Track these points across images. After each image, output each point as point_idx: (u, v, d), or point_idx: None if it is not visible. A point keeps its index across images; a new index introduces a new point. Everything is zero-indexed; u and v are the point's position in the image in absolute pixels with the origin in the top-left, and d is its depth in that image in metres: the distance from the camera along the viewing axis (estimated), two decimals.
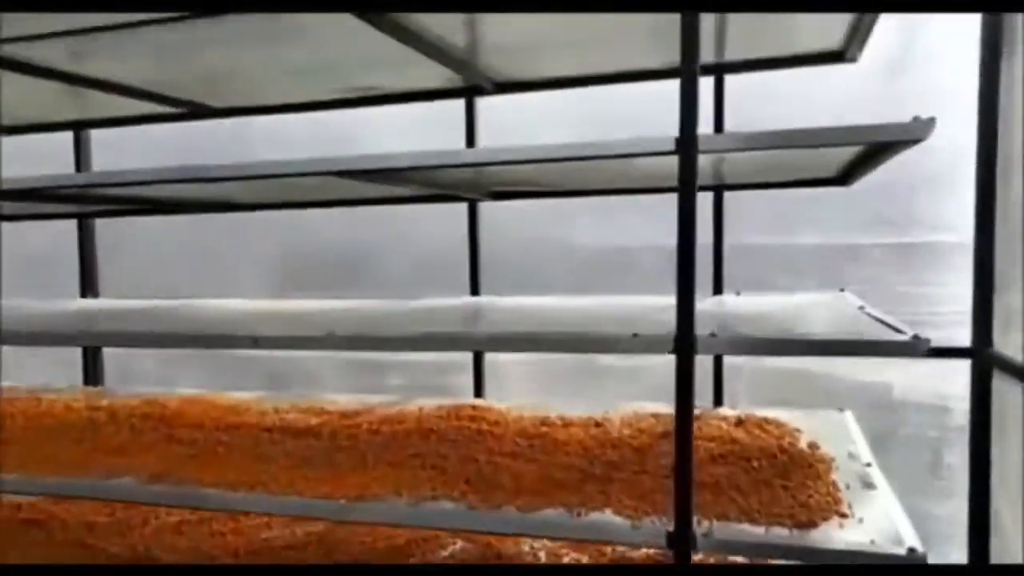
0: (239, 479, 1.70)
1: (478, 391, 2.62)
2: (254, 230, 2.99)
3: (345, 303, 2.34)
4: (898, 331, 1.16)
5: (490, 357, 2.71)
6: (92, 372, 2.98)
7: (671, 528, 1.24)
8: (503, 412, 2.15)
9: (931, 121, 1.06)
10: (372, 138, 2.71)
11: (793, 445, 1.77)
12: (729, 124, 2.14)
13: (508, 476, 1.60)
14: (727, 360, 2.37)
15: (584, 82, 2.12)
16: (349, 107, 2.31)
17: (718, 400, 2.20)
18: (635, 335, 1.23)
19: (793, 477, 1.54)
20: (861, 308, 1.58)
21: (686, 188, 1.17)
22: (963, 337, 2.22)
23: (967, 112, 2.16)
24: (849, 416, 2.00)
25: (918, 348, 1.08)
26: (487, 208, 2.58)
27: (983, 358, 2.15)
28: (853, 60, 1.97)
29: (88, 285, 2.86)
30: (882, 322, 1.30)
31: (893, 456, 2.35)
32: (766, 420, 1.97)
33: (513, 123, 2.48)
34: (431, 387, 2.80)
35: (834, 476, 1.55)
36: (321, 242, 3.02)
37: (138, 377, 3.06)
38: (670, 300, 2.07)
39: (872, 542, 1.20)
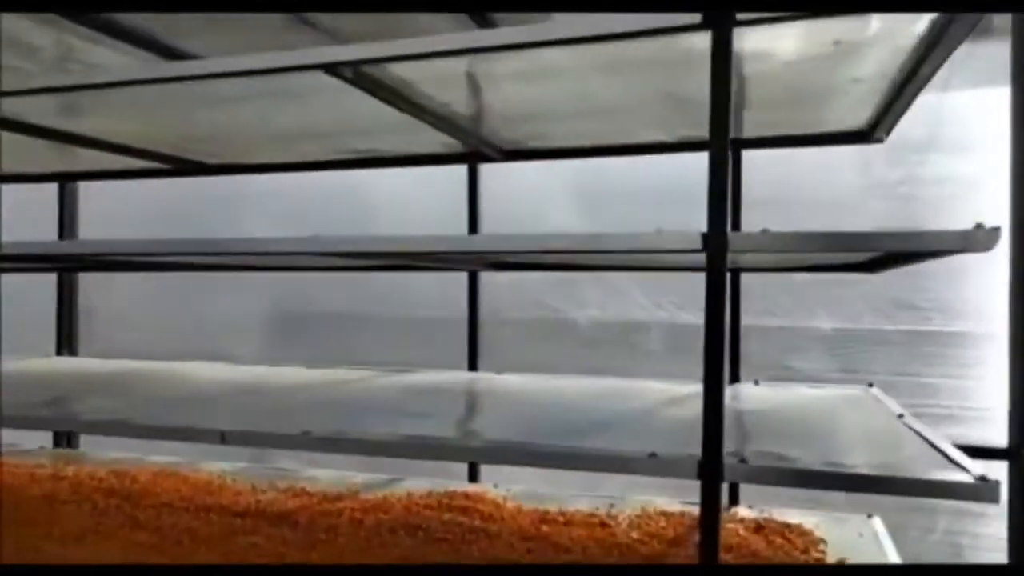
0: None
1: (472, 474, 2.45)
2: (247, 284, 2.85)
3: (334, 373, 2.19)
4: (960, 467, 1.01)
5: None
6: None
7: None
8: (499, 503, 1.98)
9: (995, 232, 0.93)
10: (371, 187, 2.60)
11: (820, 562, 1.60)
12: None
13: None
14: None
15: (595, 153, 2.01)
16: (345, 168, 2.20)
17: (734, 497, 2.03)
18: (653, 455, 1.08)
19: None
20: (900, 417, 1.42)
21: (714, 293, 1.03)
22: (995, 435, 2.07)
23: (997, 197, 2.06)
24: (879, 525, 1.83)
25: (987, 494, 0.93)
26: (488, 275, 2.46)
27: (1022, 460, 1.99)
28: (879, 141, 1.86)
29: (65, 342, 2.71)
30: (934, 446, 1.14)
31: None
32: (788, 527, 1.80)
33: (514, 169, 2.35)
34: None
35: None
36: (316, 297, 2.88)
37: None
38: (683, 388, 1.94)
39: None
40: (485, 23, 1.80)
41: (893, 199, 2.15)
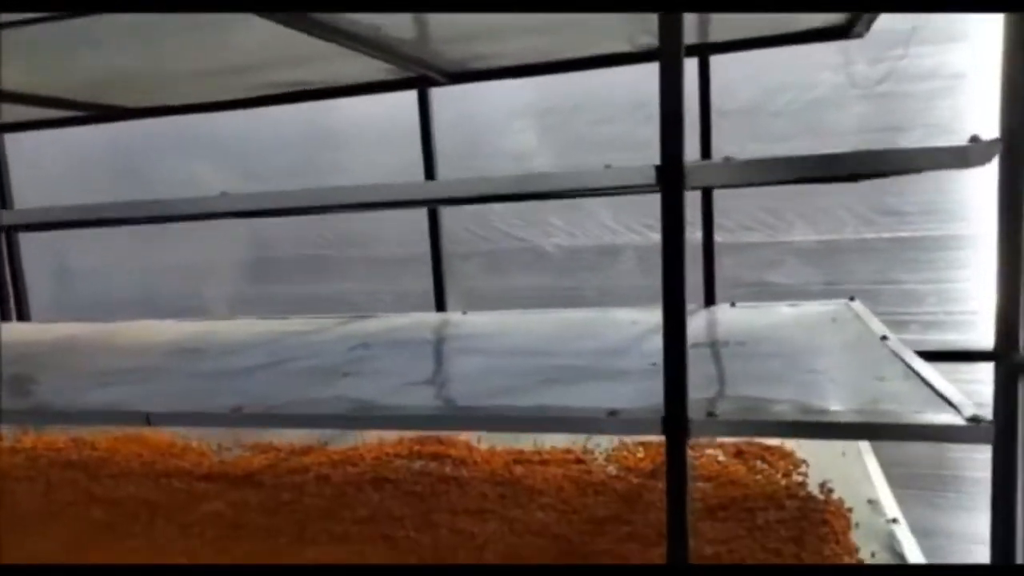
0: (157, 556, 1.46)
1: None
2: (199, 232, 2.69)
3: (289, 324, 2.07)
4: (950, 404, 0.92)
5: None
6: None
7: None
8: (472, 445, 1.91)
9: (994, 144, 0.80)
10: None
11: (803, 486, 1.54)
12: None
13: (470, 550, 1.36)
14: None
15: (549, 69, 1.83)
16: (279, 103, 2.01)
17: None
18: (612, 413, 0.98)
19: (807, 541, 1.31)
20: (884, 339, 1.33)
21: (672, 231, 0.90)
22: (981, 338, 2.00)
23: (984, 90, 1.91)
24: (864, 445, 1.77)
25: (979, 435, 0.84)
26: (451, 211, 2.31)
27: (1009, 362, 1.93)
28: (859, 36, 1.70)
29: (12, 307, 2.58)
30: (921, 378, 1.05)
31: (910, 469, 2.14)
32: (768, 450, 1.74)
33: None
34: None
35: (854, 538, 1.32)
36: (273, 240, 2.74)
37: None
38: (655, 316, 1.83)
39: None
40: None
41: (875, 98, 2.00)
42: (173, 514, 1.63)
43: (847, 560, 1.23)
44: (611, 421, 0.98)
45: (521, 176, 0.99)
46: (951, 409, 0.90)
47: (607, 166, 0.94)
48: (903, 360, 1.16)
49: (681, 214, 0.92)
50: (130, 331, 2.14)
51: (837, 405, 0.95)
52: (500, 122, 2.37)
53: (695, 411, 0.96)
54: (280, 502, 1.65)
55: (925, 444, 2.12)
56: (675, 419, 0.94)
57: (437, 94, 2.15)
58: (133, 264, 2.89)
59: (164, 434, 2.18)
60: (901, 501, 1.43)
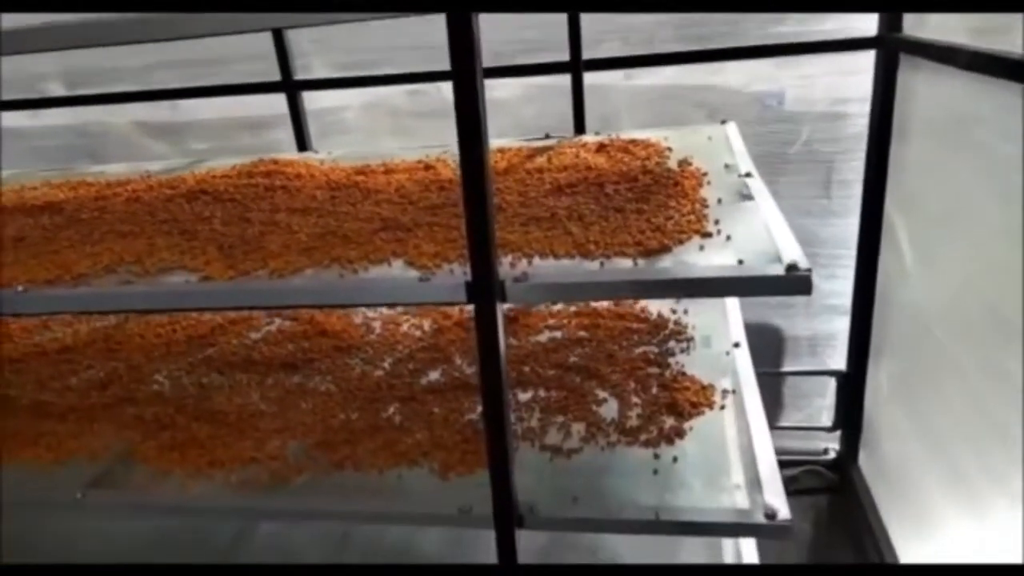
0: None
1: (301, 144, 2.15)
2: None
3: None
4: None
5: (326, 102, 2.19)
6: None
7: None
8: (314, 165, 1.70)
9: None
10: None
11: (660, 164, 1.41)
12: None
13: (279, 236, 1.19)
14: (599, 81, 1.95)
15: None
16: None
17: (579, 126, 1.80)
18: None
19: (653, 199, 1.19)
20: None
21: None
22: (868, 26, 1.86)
23: None
24: (732, 128, 1.64)
25: None
26: None
27: (890, 44, 1.81)
28: None
29: None
30: None
31: (782, 178, 2.07)
32: (633, 142, 1.59)
33: None
34: (243, 147, 2.29)
35: (703, 192, 1.21)
36: None
37: None
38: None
39: (740, 262, 0.87)
40: None
41: None
42: None
43: (690, 196, 1.11)
44: None
45: None
46: None
47: None
48: None
49: None
50: None
51: None
52: None
53: None
54: (75, 220, 1.43)
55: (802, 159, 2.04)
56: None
57: None
58: None
59: None
60: None
